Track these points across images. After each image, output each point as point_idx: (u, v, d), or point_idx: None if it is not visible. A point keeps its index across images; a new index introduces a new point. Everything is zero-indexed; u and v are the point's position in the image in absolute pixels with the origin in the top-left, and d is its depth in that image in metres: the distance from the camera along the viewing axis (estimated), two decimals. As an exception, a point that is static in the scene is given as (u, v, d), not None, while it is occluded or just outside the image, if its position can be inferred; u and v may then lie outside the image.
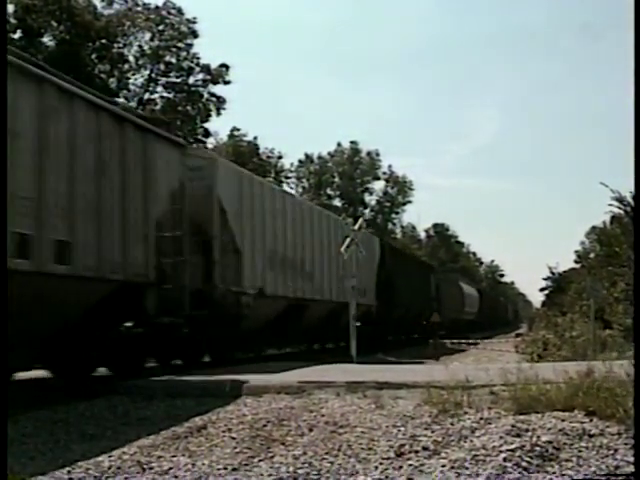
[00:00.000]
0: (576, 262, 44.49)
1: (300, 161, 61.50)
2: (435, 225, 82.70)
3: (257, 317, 14.33)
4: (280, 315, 15.76)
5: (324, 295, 18.22)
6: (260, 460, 5.07)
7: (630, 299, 16.19)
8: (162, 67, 33.83)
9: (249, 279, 14.05)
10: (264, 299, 14.56)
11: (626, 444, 4.77)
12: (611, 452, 4.68)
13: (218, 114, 34.98)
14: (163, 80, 34.10)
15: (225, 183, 13.49)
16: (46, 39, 29.82)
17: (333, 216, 21.55)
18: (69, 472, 5.02)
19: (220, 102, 34.72)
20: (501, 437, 4.97)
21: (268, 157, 46.26)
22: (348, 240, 15.22)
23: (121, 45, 32.46)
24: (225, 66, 34.32)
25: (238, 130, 43.87)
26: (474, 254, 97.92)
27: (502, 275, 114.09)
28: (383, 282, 23.72)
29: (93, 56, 31.17)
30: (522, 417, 5.51)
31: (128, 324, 10.16)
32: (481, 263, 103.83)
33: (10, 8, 27.85)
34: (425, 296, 32.61)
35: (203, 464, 5.03)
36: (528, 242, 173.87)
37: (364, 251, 16.28)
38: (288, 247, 16.22)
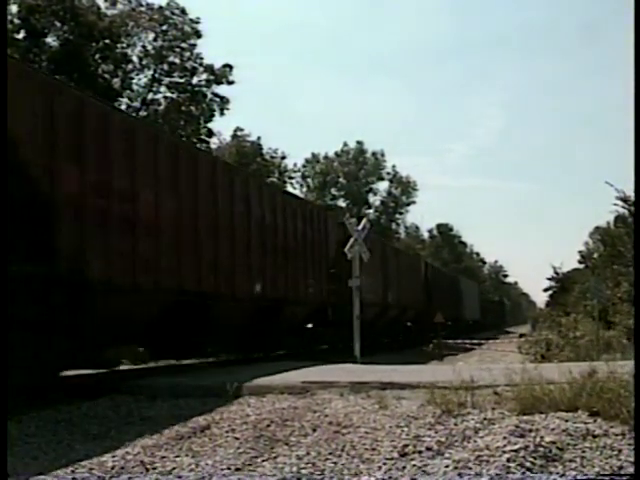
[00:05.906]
0: (580, 262, 44.37)
1: (307, 160, 61.63)
2: (439, 225, 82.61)
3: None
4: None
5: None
6: (264, 460, 5.07)
7: (633, 299, 16.15)
8: (166, 67, 33.79)
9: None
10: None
11: (630, 444, 4.75)
12: (615, 453, 4.67)
13: (222, 114, 34.99)
14: (166, 80, 34.06)
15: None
16: (50, 39, 29.80)
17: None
18: (72, 472, 5.02)
19: (224, 102, 34.69)
20: (505, 437, 4.95)
21: (272, 157, 46.20)
22: (351, 240, 15.22)
23: (124, 45, 32.42)
24: (229, 66, 34.27)
25: (241, 130, 43.88)
26: (477, 254, 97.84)
27: (506, 275, 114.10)
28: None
29: (96, 56, 31.14)
30: (526, 417, 5.50)
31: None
32: (484, 263, 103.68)
33: (14, 8, 27.91)
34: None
35: (207, 464, 5.03)
36: (532, 242, 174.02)
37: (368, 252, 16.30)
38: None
